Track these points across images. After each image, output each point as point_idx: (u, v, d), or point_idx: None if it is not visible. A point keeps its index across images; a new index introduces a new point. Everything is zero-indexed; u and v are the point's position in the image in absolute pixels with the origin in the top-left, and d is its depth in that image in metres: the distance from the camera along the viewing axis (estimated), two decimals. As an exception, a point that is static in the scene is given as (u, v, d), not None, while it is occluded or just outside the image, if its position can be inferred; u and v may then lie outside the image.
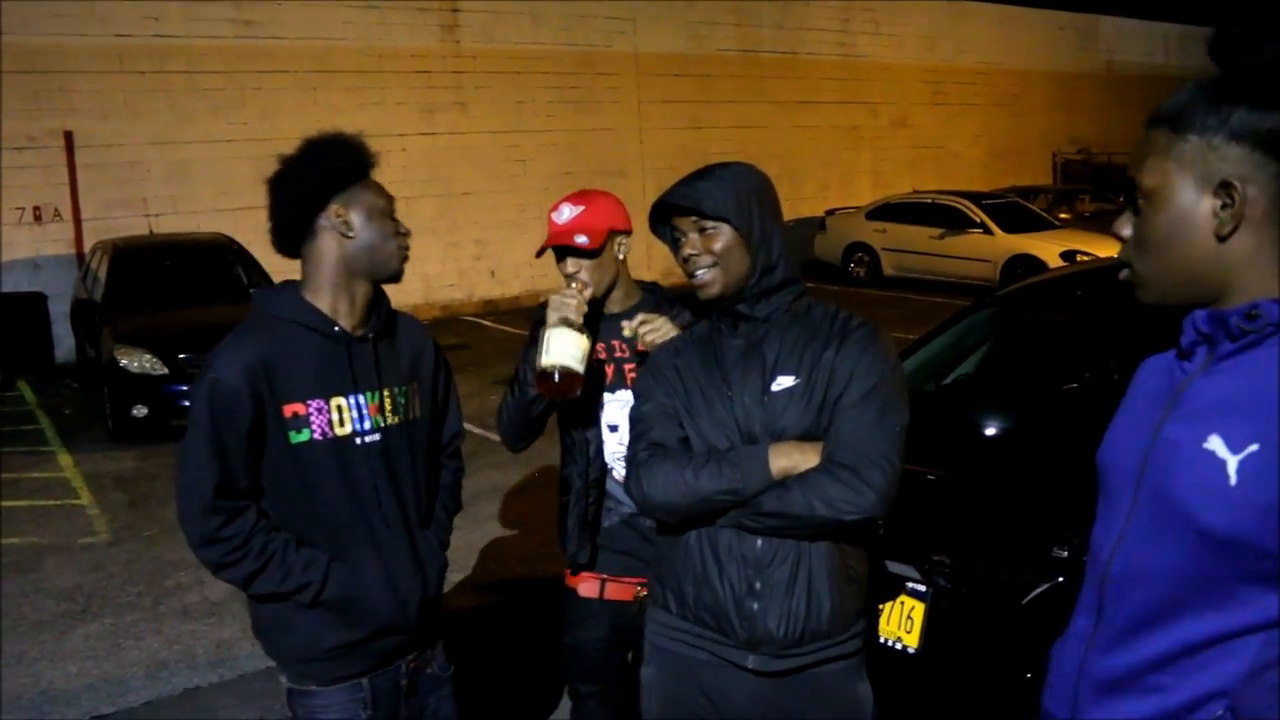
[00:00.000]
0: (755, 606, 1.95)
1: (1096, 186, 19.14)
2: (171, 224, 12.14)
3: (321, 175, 2.10)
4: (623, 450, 2.39)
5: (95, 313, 9.31)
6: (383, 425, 2.16)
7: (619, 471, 2.56)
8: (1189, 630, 1.26)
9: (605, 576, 2.62)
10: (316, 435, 2.08)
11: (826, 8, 19.08)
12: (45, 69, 11.62)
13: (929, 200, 15.67)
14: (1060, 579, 2.46)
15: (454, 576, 5.35)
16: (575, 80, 15.77)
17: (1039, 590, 2.49)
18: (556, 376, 2.23)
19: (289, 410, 2.06)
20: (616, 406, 2.57)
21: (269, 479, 2.10)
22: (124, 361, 8.17)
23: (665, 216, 2.09)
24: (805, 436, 1.95)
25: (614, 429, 2.56)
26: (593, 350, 2.43)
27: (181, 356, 8.08)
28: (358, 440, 2.13)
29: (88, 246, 11.50)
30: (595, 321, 2.54)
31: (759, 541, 1.95)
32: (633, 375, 2.53)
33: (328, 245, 2.12)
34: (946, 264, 14.80)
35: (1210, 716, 1.24)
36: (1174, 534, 1.26)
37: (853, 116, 19.41)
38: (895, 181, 19.27)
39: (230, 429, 2.02)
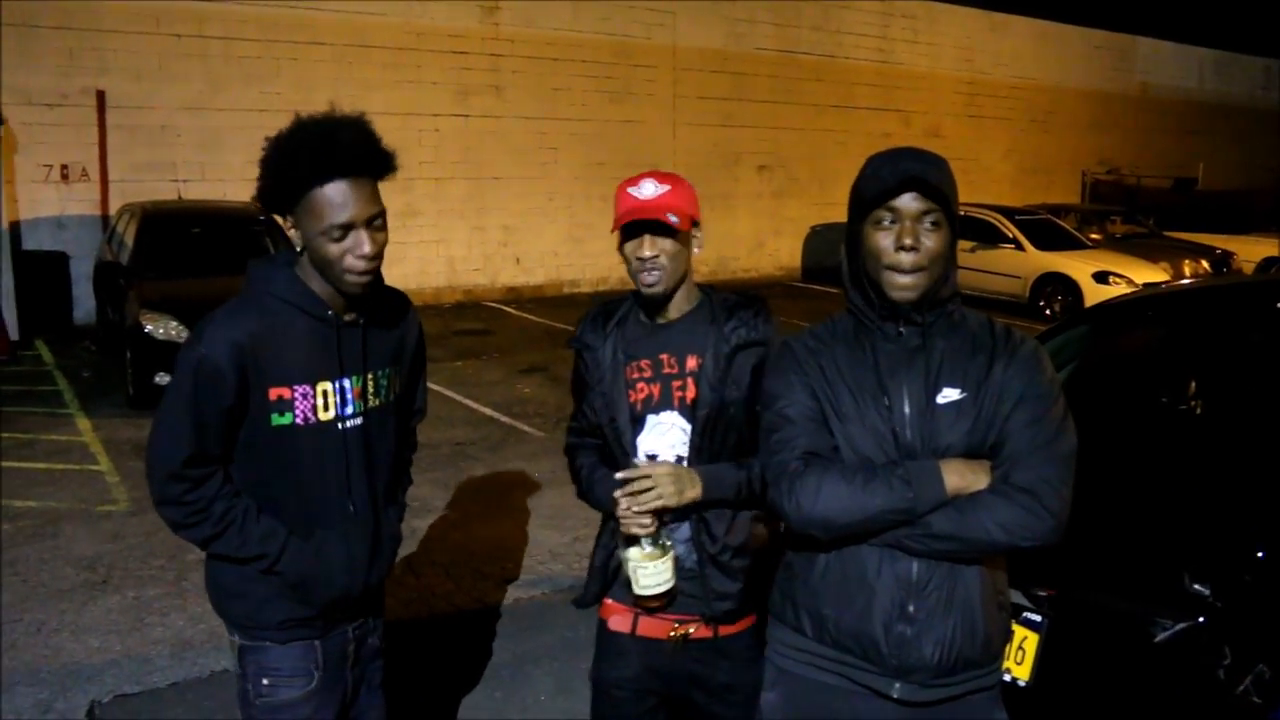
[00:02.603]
0: (908, 632, 1.80)
1: (1128, 208, 18.87)
2: (199, 190, 11.96)
3: (286, 176, 1.99)
4: None
5: (120, 275, 9.12)
6: (364, 409, 2.15)
7: None
8: None
9: (639, 610, 2.29)
10: (299, 420, 2.06)
11: (866, 12, 18.86)
12: (81, 26, 11.44)
13: (960, 212, 15.43)
14: (1201, 618, 2.27)
15: (488, 569, 5.16)
16: (611, 70, 15.56)
17: (1175, 629, 2.30)
18: (655, 600, 2.21)
19: (274, 393, 2.04)
20: (659, 431, 2.25)
21: (244, 452, 2.09)
22: (150, 327, 8.00)
23: (871, 199, 1.82)
24: (968, 454, 1.80)
25: (653, 458, 2.24)
26: (635, 373, 2.25)
27: (208, 325, 7.89)
28: (340, 425, 2.11)
29: (113, 208, 11.32)
30: (654, 310, 2.27)
31: (915, 563, 1.79)
32: (681, 395, 2.22)
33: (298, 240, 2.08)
34: (976, 278, 14.55)
35: None
36: None
37: (886, 123, 19.17)
38: (925, 191, 19.03)
39: (211, 405, 2.01)
